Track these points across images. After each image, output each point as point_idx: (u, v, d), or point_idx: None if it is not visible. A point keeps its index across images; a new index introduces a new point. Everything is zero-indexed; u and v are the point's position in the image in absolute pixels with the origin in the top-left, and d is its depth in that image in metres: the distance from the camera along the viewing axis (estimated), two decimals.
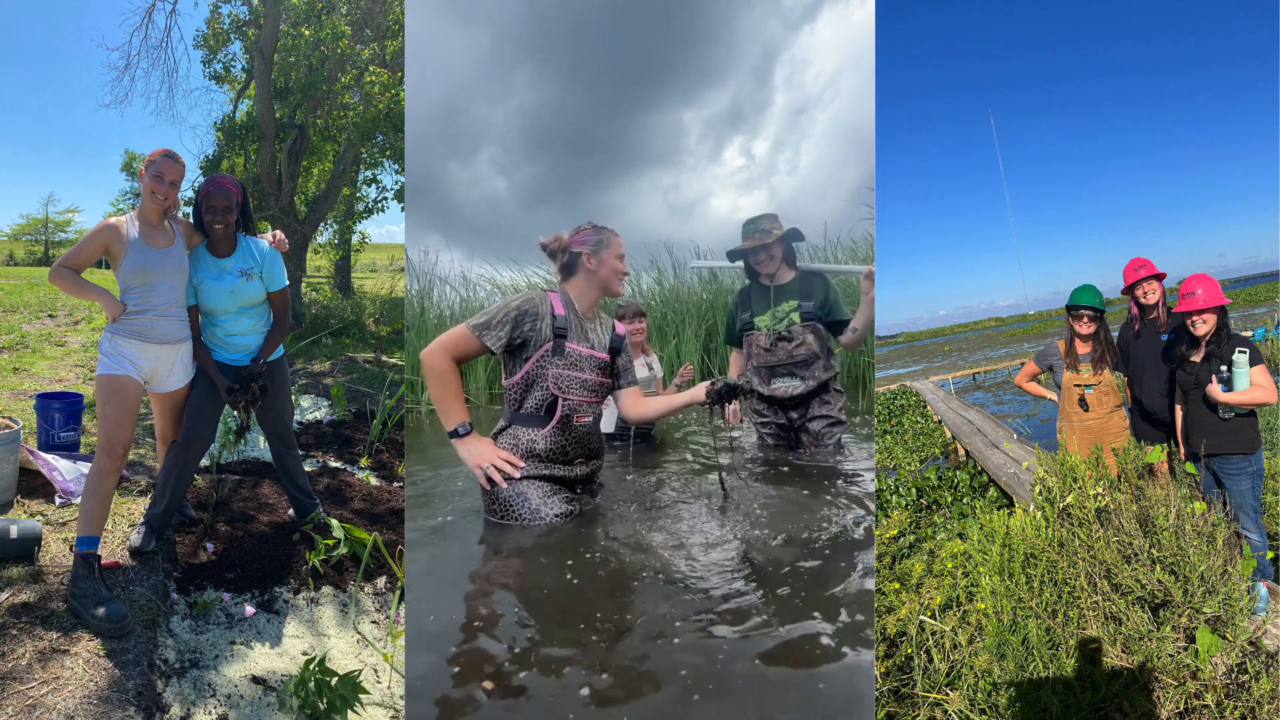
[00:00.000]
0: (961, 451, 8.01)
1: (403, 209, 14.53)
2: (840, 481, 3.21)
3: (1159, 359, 3.57)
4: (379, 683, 2.53)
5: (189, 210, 3.28)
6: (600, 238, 2.94)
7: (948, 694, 2.41)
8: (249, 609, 2.76)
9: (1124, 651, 2.39)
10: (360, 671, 2.27)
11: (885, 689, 2.50)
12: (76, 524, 2.73)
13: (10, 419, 3.65)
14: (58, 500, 3.40)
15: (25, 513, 3.29)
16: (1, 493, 3.33)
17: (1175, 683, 2.28)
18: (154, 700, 2.22)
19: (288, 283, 3.24)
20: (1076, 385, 3.65)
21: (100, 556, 2.68)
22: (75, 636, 2.42)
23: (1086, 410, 3.63)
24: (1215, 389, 3.09)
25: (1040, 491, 3.00)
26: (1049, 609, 2.51)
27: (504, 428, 2.86)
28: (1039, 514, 2.88)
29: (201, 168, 11.10)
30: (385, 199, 15.48)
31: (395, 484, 4.26)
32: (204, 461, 3.88)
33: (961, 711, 2.34)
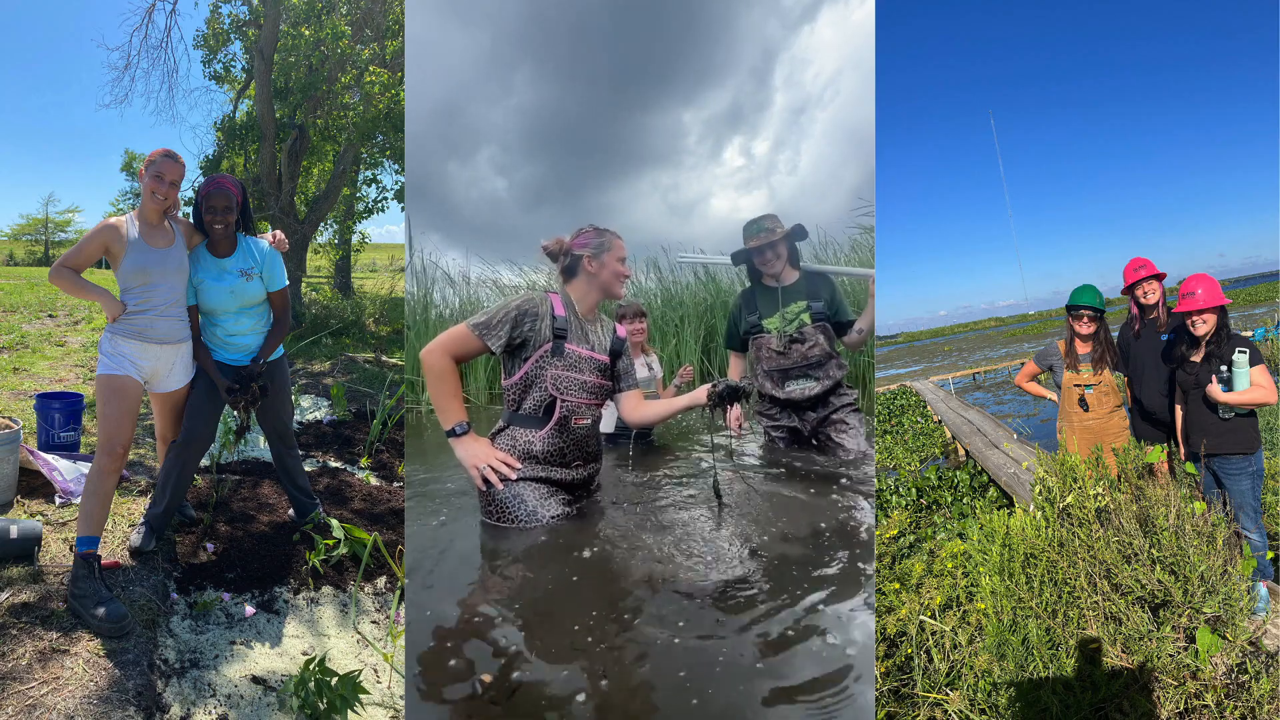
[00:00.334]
0: (961, 451, 8.01)
1: (403, 209, 14.54)
2: (840, 481, 3.21)
3: (1159, 359, 3.57)
4: (379, 683, 2.53)
5: (189, 210, 3.28)
6: (602, 240, 2.93)
7: (948, 694, 2.41)
8: (249, 609, 2.76)
9: (1124, 651, 2.39)
10: (360, 671, 2.27)
11: (885, 689, 2.50)
12: (76, 524, 2.73)
13: (10, 419, 3.65)
14: (58, 500, 3.40)
15: (25, 513, 3.29)
16: (1, 493, 3.33)
17: (1175, 683, 2.28)
18: (154, 700, 2.22)
19: (288, 283, 3.24)
20: (1076, 385, 3.65)
21: (100, 556, 2.68)
22: (75, 636, 2.42)
23: (1086, 410, 3.63)
24: (1215, 389, 3.09)
25: (1040, 491, 3.00)
26: (1049, 609, 2.51)
27: (502, 428, 2.85)
28: (1039, 514, 2.88)
29: (201, 168, 11.10)
30: (385, 199, 15.50)
31: (395, 484, 4.26)
32: (204, 461, 3.88)
33: (961, 711, 2.34)
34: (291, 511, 3.50)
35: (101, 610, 2.48)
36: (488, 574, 2.37)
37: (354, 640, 2.74)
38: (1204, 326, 3.19)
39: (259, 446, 4.38)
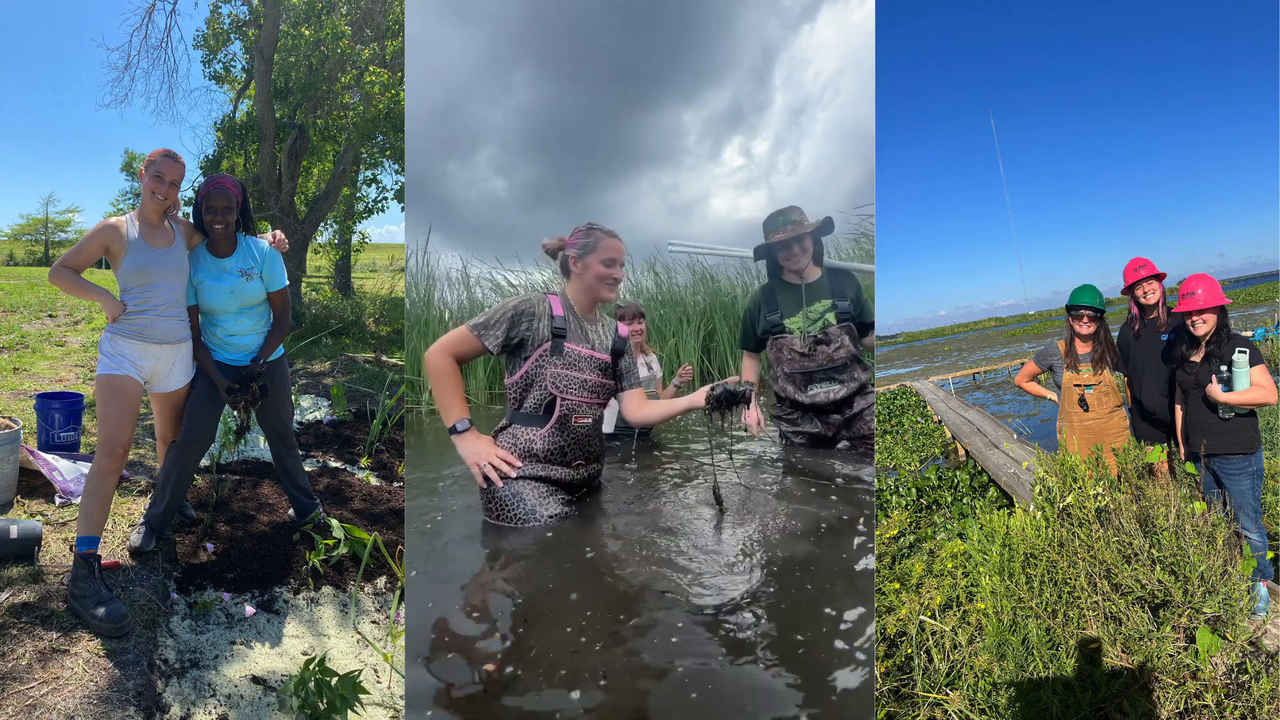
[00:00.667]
0: (961, 451, 8.01)
1: (403, 209, 14.54)
2: (839, 481, 3.21)
3: (1159, 359, 3.57)
4: (379, 683, 2.53)
5: (189, 210, 3.28)
6: (588, 241, 2.90)
7: (948, 694, 2.41)
8: (249, 609, 2.76)
9: (1124, 651, 2.39)
10: (360, 671, 2.27)
11: (885, 689, 2.50)
12: (76, 524, 2.73)
13: (10, 419, 3.65)
14: (58, 500, 3.40)
15: (25, 513, 3.29)
16: (1, 493, 3.33)
17: (1175, 683, 2.28)
18: (154, 700, 2.22)
19: (288, 283, 3.24)
20: (1076, 385, 3.65)
21: (100, 556, 2.68)
22: (75, 636, 2.42)
23: (1086, 410, 3.63)
24: (1215, 389, 3.09)
25: (1040, 491, 3.00)
26: (1049, 609, 2.51)
27: (504, 426, 2.87)
28: (1039, 514, 2.88)
29: (201, 168, 11.10)
30: (385, 199, 15.50)
31: (395, 484, 4.26)
32: (204, 461, 3.88)
33: (961, 711, 2.34)
34: (291, 511, 3.50)
35: (101, 610, 2.48)
36: (486, 573, 2.38)
37: (354, 640, 2.74)
38: (1204, 326, 3.19)
39: (259, 446, 4.38)
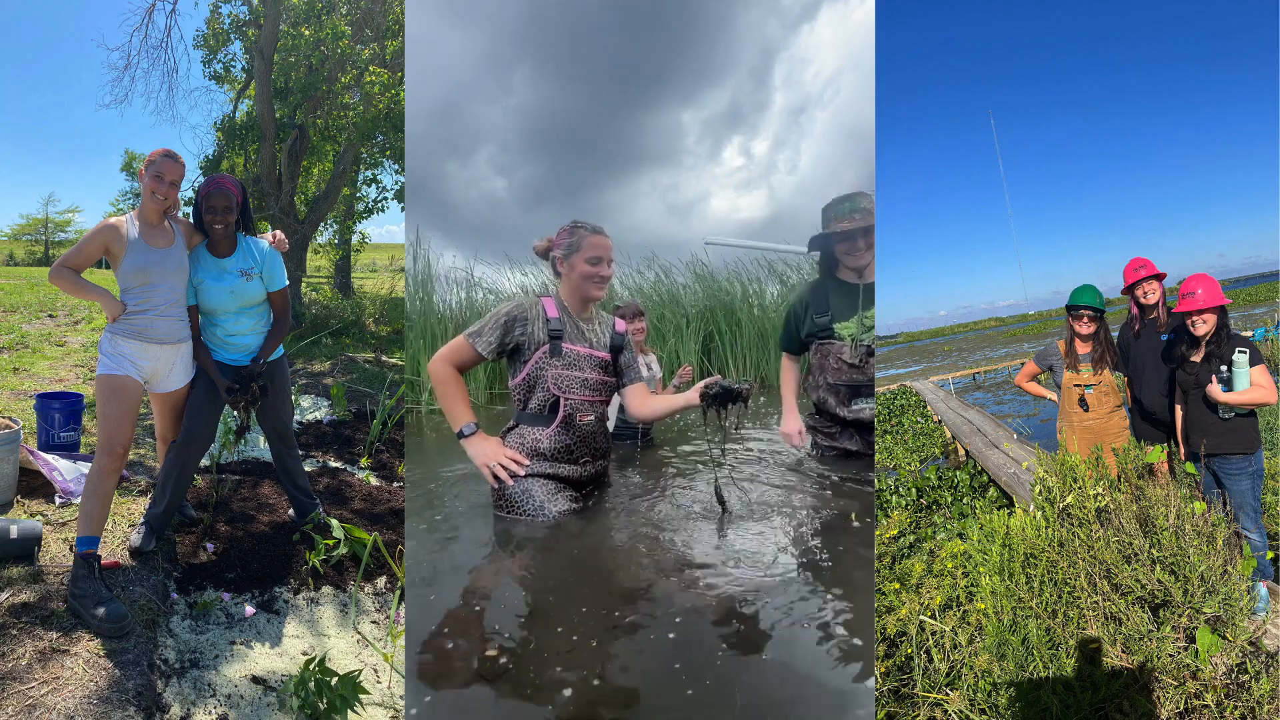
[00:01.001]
0: (961, 451, 8.01)
1: (403, 209, 14.54)
2: (840, 482, 3.21)
3: (1159, 359, 3.57)
4: (379, 683, 2.53)
5: (189, 210, 3.28)
6: (572, 241, 2.91)
7: (948, 694, 2.41)
8: (249, 609, 2.76)
9: (1124, 651, 2.39)
10: (360, 671, 2.27)
11: (885, 689, 2.50)
12: (76, 524, 2.73)
13: (10, 419, 3.65)
14: (58, 500, 3.40)
15: (25, 513, 3.29)
16: (1, 493, 3.33)
17: (1175, 683, 2.28)
18: (154, 700, 2.22)
19: (288, 283, 3.24)
20: (1076, 385, 3.65)
21: (100, 556, 2.68)
22: (75, 636, 2.42)
23: (1086, 410, 3.63)
24: (1215, 389, 3.09)
25: (1040, 491, 2.99)
26: (1049, 609, 2.51)
27: (512, 427, 2.94)
28: (1039, 514, 2.88)
29: (201, 168, 11.09)
30: (385, 199, 15.49)
31: (395, 484, 4.26)
32: (204, 461, 3.87)
33: (961, 711, 2.34)
34: (291, 511, 3.50)
35: (101, 610, 2.48)
36: (489, 568, 2.40)
37: (354, 640, 2.74)
38: (1204, 326, 3.19)
39: (259, 446, 4.38)
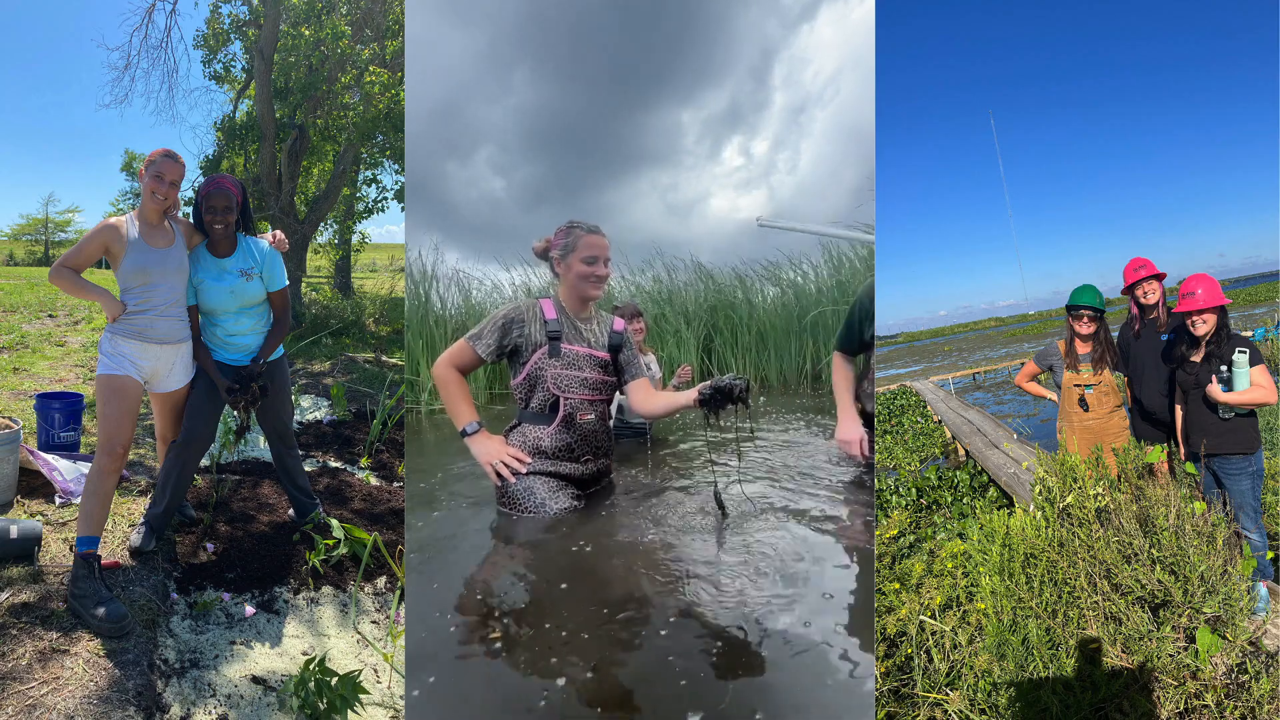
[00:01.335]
0: (961, 451, 8.01)
1: (403, 209, 14.54)
2: (839, 481, 3.21)
3: (1159, 359, 3.57)
4: (379, 683, 2.53)
5: (189, 210, 3.28)
6: (568, 241, 2.95)
7: (948, 694, 2.41)
8: (249, 609, 2.76)
9: (1124, 651, 2.39)
10: (360, 671, 2.27)
11: (885, 689, 2.50)
12: (76, 524, 2.73)
13: (10, 419, 3.65)
14: (58, 500, 3.40)
15: (25, 513, 3.29)
16: (1, 493, 3.33)
17: (1175, 683, 2.28)
18: (154, 700, 2.22)
19: (288, 283, 3.24)
20: (1076, 385, 3.65)
21: (100, 556, 2.67)
22: (75, 636, 2.42)
23: (1086, 410, 3.62)
24: (1215, 389, 3.09)
25: (1040, 491, 2.99)
26: (1049, 609, 2.51)
27: (515, 425, 2.98)
28: (1039, 514, 2.87)
29: (201, 168, 11.09)
30: (385, 199, 15.49)
31: (395, 484, 4.26)
32: (204, 461, 3.87)
33: (961, 711, 2.34)
34: (291, 511, 3.50)
35: (101, 610, 2.48)
36: (489, 565, 2.41)
37: (354, 640, 2.74)
38: (1204, 326, 3.18)
39: (259, 446, 4.38)
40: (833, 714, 1.58)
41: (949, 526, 4.67)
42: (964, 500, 5.64)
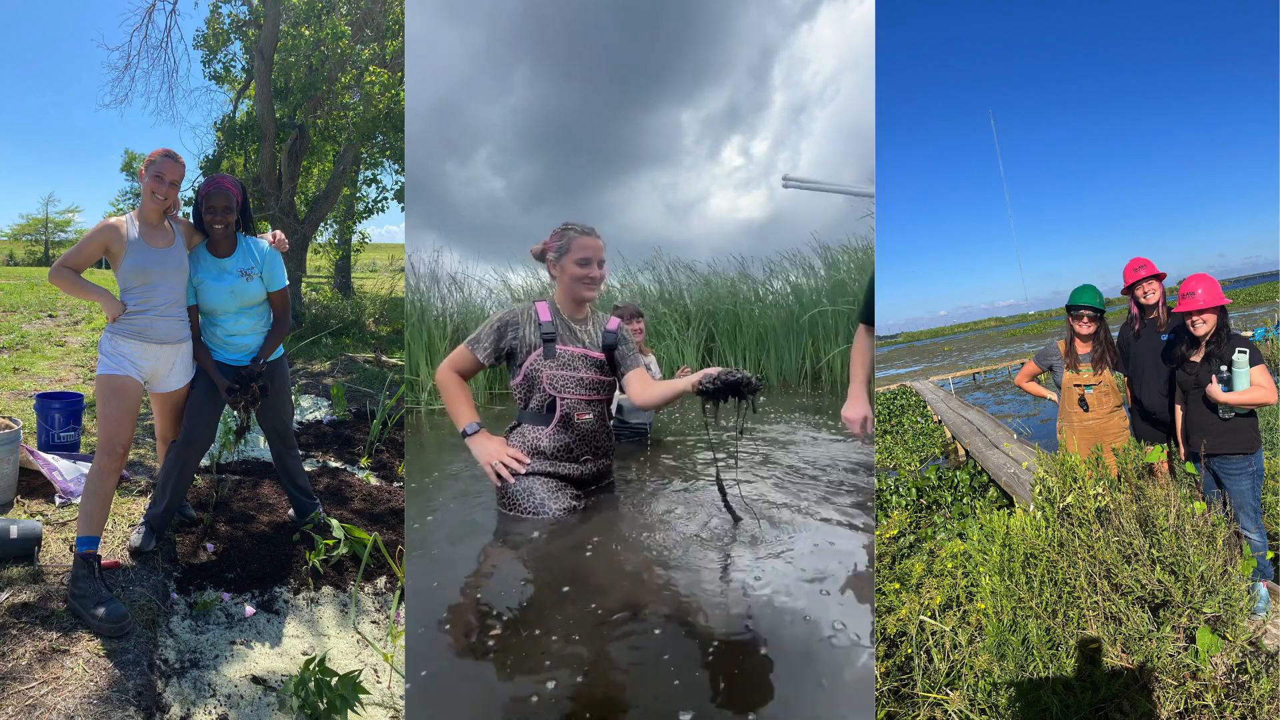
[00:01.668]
0: (961, 451, 8.01)
1: (403, 209, 14.54)
2: (839, 481, 3.21)
3: (1159, 359, 3.57)
4: (379, 683, 2.53)
5: (189, 210, 3.28)
6: (562, 243, 2.98)
7: (948, 694, 2.41)
8: (249, 609, 2.76)
9: (1124, 651, 2.39)
10: (360, 671, 2.27)
11: (885, 689, 2.50)
12: (76, 524, 2.73)
13: (10, 419, 3.65)
14: (58, 500, 3.40)
15: (25, 513, 3.29)
16: (1, 493, 3.33)
17: (1175, 683, 2.28)
18: (154, 700, 2.22)
19: (288, 283, 3.24)
20: (1076, 385, 3.65)
21: (100, 556, 2.67)
22: (75, 636, 2.42)
23: (1086, 410, 3.62)
24: (1215, 389, 3.09)
25: (1040, 491, 2.99)
26: (1049, 609, 2.51)
27: (514, 426, 3.01)
28: (1039, 514, 2.87)
29: (201, 168, 11.09)
30: (385, 199, 15.48)
31: (395, 484, 4.26)
32: (204, 461, 3.87)
33: (961, 711, 2.34)
34: (291, 511, 3.50)
35: (101, 610, 2.48)
36: (488, 565, 2.41)
37: (354, 640, 2.74)
38: (1204, 326, 3.18)
39: (259, 446, 4.38)
40: (833, 714, 1.58)
41: (949, 526, 4.67)
42: (964, 500, 5.64)
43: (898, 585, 3.09)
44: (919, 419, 11.00)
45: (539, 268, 3.20)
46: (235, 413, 3.15)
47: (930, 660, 2.57)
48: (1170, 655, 2.34)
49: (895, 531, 4.60)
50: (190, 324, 3.02)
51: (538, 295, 8.98)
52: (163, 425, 3.16)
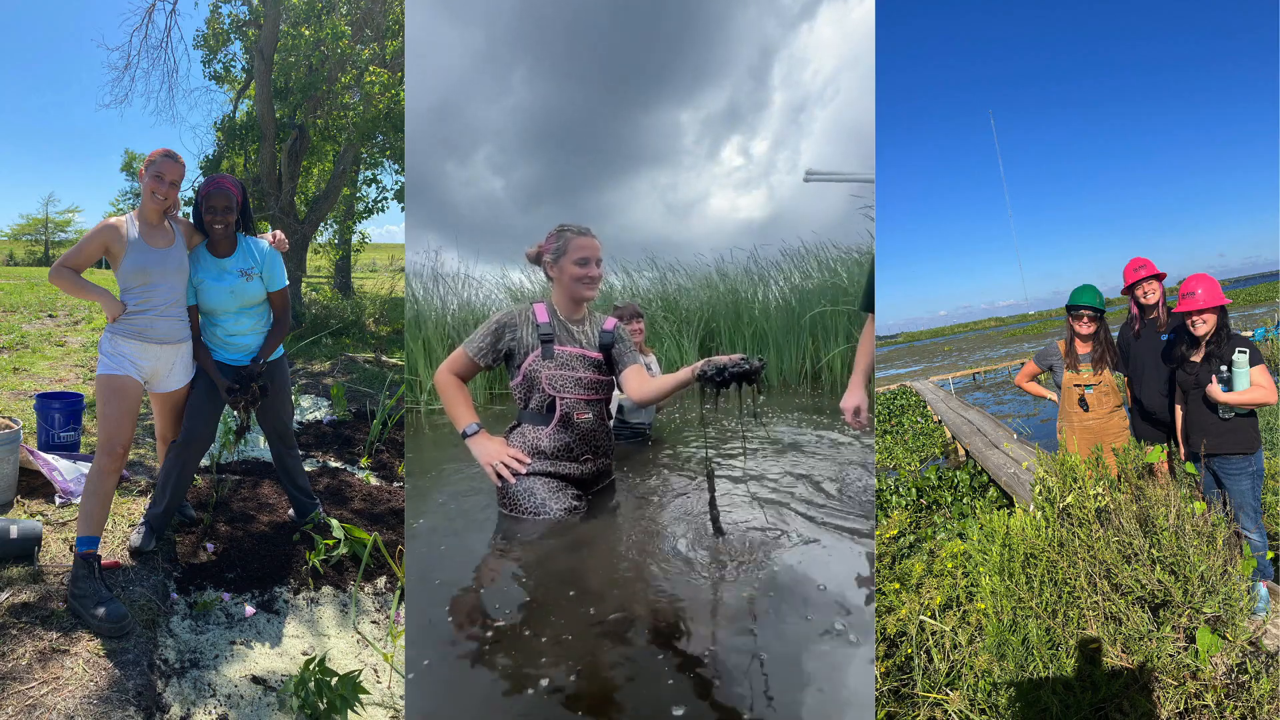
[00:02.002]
0: (961, 451, 8.01)
1: (403, 209, 14.54)
2: (838, 481, 3.21)
3: (1159, 359, 3.57)
4: (379, 683, 2.53)
5: (189, 210, 3.28)
6: (559, 244, 3.00)
7: (948, 694, 2.41)
8: (249, 609, 2.76)
9: (1124, 651, 2.39)
10: (360, 671, 2.27)
11: (885, 689, 2.50)
12: (76, 524, 2.73)
13: (10, 419, 3.65)
14: (58, 500, 3.40)
15: (25, 513, 3.29)
16: (1, 493, 3.33)
17: (1175, 683, 2.28)
18: (154, 700, 2.22)
19: (288, 283, 3.24)
20: (1076, 385, 3.65)
21: (100, 556, 2.67)
22: (75, 636, 2.42)
23: (1086, 410, 3.62)
24: (1215, 389, 3.09)
25: (1040, 491, 2.99)
26: (1049, 609, 2.51)
27: (515, 426, 3.02)
28: (1039, 514, 2.87)
29: (201, 168, 11.09)
30: (385, 199, 15.49)
31: (395, 484, 4.26)
32: (204, 461, 3.87)
33: (961, 711, 2.34)
34: (291, 511, 3.50)
35: (101, 610, 2.48)
36: (488, 565, 2.41)
37: (354, 640, 2.74)
38: (1204, 326, 3.18)
39: (259, 446, 4.37)
40: (833, 714, 1.58)
41: (949, 526, 4.67)
42: (964, 500, 5.64)
43: (898, 585, 3.09)
44: (919, 419, 10.99)
45: (537, 269, 3.19)
46: (235, 413, 3.15)
47: (930, 660, 2.57)
48: (1170, 655, 2.34)
49: (895, 531, 4.60)
50: (190, 324, 3.02)
51: (537, 295, 8.99)
52: (163, 425, 3.16)
